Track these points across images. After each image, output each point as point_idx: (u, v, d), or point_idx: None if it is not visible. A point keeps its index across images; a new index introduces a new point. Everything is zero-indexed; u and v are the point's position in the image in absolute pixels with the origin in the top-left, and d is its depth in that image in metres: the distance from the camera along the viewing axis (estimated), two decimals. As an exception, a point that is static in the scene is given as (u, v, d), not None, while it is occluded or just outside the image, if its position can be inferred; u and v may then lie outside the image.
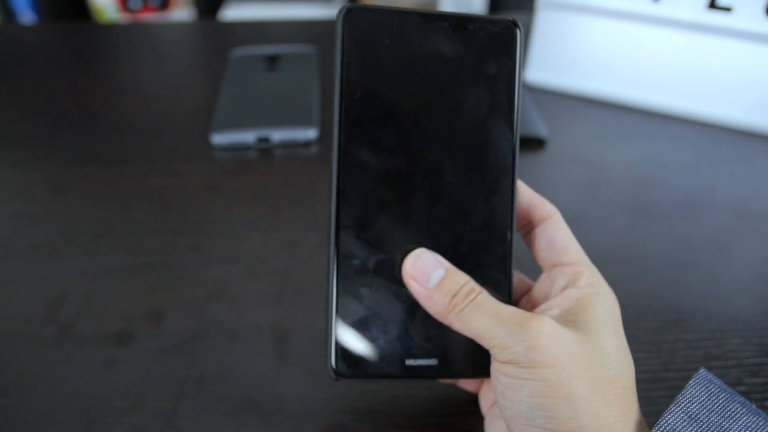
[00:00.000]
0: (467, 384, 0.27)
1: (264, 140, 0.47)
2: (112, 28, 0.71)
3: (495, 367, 0.21)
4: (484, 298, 0.22)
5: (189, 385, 0.29)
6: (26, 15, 1.41)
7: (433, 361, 0.24)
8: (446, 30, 0.24)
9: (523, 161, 0.46)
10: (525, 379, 0.20)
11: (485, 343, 0.22)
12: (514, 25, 0.25)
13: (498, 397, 0.22)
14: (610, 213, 0.41)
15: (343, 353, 0.23)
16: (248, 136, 0.47)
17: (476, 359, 0.24)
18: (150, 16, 1.50)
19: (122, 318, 0.33)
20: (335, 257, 0.24)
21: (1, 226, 0.40)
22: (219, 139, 0.47)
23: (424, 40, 0.24)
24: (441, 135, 0.24)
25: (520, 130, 0.25)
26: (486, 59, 0.24)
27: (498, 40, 0.25)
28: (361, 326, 0.24)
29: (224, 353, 0.31)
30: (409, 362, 0.24)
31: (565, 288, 0.23)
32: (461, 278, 0.23)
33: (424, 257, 0.23)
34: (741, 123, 0.50)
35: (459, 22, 0.24)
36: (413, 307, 0.24)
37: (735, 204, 0.42)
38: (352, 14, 0.23)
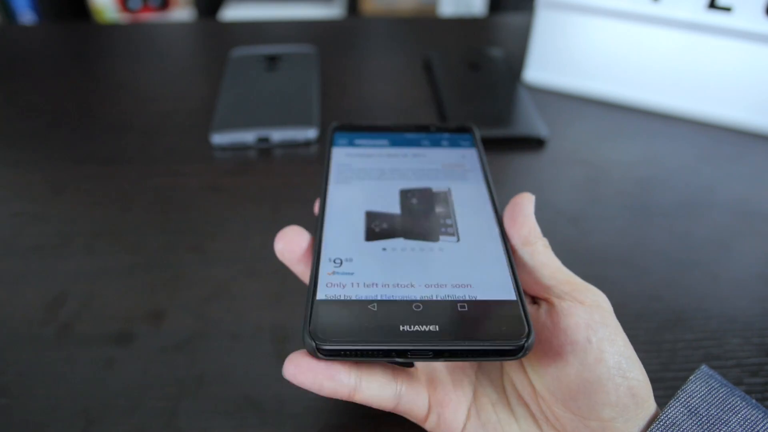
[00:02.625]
0: (446, 419, 0.23)
1: (264, 140, 0.47)
2: (112, 28, 0.71)
3: (585, 317, 0.22)
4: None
5: (189, 385, 0.29)
6: (26, 15, 1.41)
7: (433, 327, 0.20)
8: (412, 127, 0.32)
9: (522, 161, 0.47)
10: (617, 326, 0.22)
11: (564, 278, 0.23)
12: (468, 129, 0.32)
13: (585, 354, 0.21)
14: (610, 213, 0.41)
15: (326, 320, 0.21)
16: (248, 136, 0.47)
17: (491, 327, 0.21)
18: (150, 16, 1.50)
19: (122, 318, 0.33)
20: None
21: (1, 226, 0.40)
22: (219, 139, 0.47)
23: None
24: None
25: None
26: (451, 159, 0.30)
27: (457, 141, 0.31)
28: (347, 294, 0.22)
29: (224, 353, 0.31)
30: (405, 328, 0.20)
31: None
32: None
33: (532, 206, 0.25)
34: (741, 123, 0.50)
35: (420, 129, 0.31)
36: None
37: (735, 204, 0.42)
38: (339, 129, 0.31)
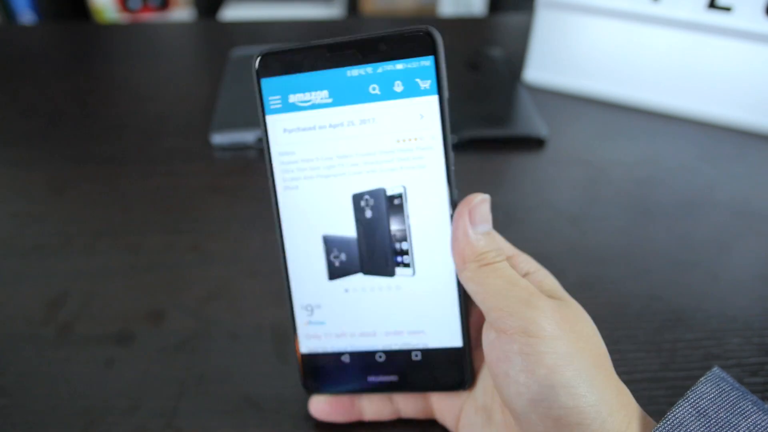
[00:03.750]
0: (444, 416, 0.27)
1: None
2: (112, 28, 0.71)
3: (504, 348, 0.21)
4: (507, 266, 0.23)
5: (189, 385, 0.29)
6: (26, 15, 1.41)
7: (393, 378, 0.26)
8: (355, 57, 0.23)
9: (522, 161, 0.47)
10: (542, 354, 0.20)
11: (493, 305, 0.22)
12: (428, 34, 0.23)
13: (508, 386, 0.21)
14: (610, 213, 0.41)
15: (311, 373, 0.27)
16: (248, 136, 0.47)
17: (437, 376, 0.26)
18: (150, 16, 1.50)
19: (122, 318, 0.33)
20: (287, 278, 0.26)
21: (1, 226, 0.40)
22: (219, 139, 0.47)
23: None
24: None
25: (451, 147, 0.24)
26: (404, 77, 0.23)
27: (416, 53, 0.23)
28: (324, 347, 0.26)
29: (224, 353, 0.31)
30: (371, 379, 0.26)
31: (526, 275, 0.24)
32: (499, 244, 0.24)
33: (486, 207, 0.23)
34: (741, 123, 0.50)
35: (366, 44, 0.23)
36: (373, 319, 0.26)
37: (735, 204, 0.42)
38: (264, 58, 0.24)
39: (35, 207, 0.41)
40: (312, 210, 0.25)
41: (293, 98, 0.24)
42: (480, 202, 0.23)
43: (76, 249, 0.38)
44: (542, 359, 0.20)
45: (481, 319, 0.24)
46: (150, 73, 0.59)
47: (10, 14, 1.41)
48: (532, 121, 0.49)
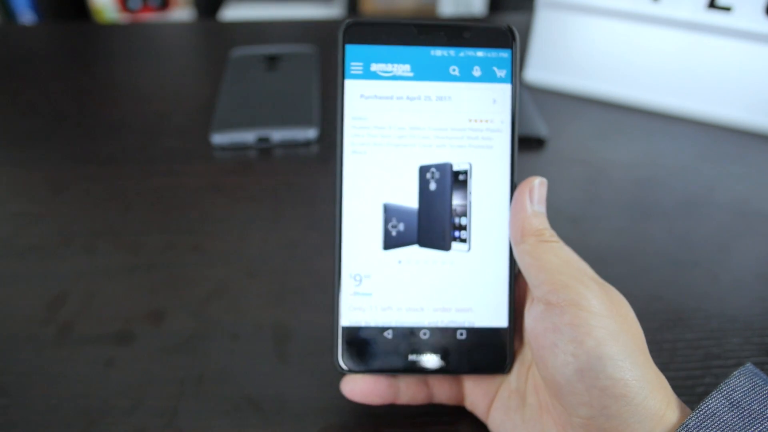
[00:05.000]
0: (476, 402, 0.27)
1: (264, 140, 0.47)
2: (112, 28, 0.71)
3: (554, 320, 0.22)
4: (563, 246, 0.24)
5: (189, 385, 0.29)
6: (26, 15, 1.41)
7: (435, 358, 0.25)
8: (441, 40, 0.25)
9: (522, 161, 0.46)
10: (592, 327, 0.21)
11: (545, 278, 0.22)
12: (510, 31, 0.26)
13: (555, 356, 0.21)
14: (610, 213, 0.41)
15: (350, 348, 0.25)
16: (248, 136, 0.47)
17: (479, 358, 0.25)
18: (150, 16, 1.50)
19: (122, 318, 0.33)
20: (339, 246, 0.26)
21: (1, 226, 0.40)
22: (219, 139, 0.47)
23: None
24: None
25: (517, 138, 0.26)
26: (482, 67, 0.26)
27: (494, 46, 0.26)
28: (367, 320, 0.25)
29: (224, 353, 0.31)
30: (412, 357, 0.25)
31: None
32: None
33: (544, 190, 0.25)
34: (741, 123, 0.50)
35: (453, 30, 0.25)
36: (419, 295, 0.25)
37: (735, 204, 0.42)
38: (351, 28, 0.25)
39: (35, 207, 0.41)
40: (376, 176, 0.25)
41: (375, 67, 0.25)
42: (539, 184, 0.24)
43: (76, 249, 0.38)
44: (592, 331, 0.21)
45: (521, 302, 0.25)
46: (150, 73, 0.59)
47: (10, 14, 1.41)
48: (532, 121, 0.49)
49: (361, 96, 0.25)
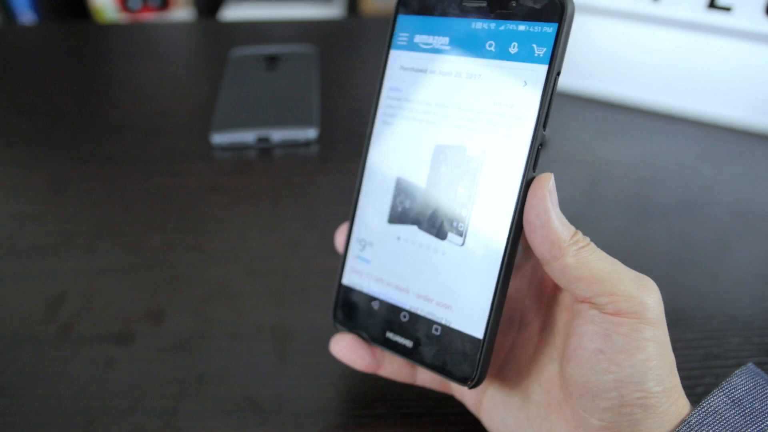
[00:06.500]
0: (464, 392, 0.27)
1: (264, 140, 0.47)
2: (112, 28, 0.71)
3: (607, 327, 0.20)
4: (592, 243, 0.22)
5: (189, 385, 0.29)
6: (26, 15, 1.41)
7: (408, 343, 0.25)
8: (484, 10, 0.23)
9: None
10: (646, 340, 0.20)
11: (602, 289, 0.20)
12: (561, 2, 0.22)
13: (596, 362, 0.20)
14: (610, 213, 0.41)
15: (343, 305, 0.27)
16: (248, 136, 0.47)
17: (447, 360, 0.24)
18: (150, 16, 1.50)
19: (122, 318, 0.33)
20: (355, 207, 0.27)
21: (1, 226, 0.40)
22: (219, 139, 0.47)
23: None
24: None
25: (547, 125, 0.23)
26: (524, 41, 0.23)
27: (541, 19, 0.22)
28: (361, 285, 0.27)
29: (224, 353, 0.31)
30: (389, 335, 0.26)
31: None
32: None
33: (555, 189, 0.22)
34: (741, 123, 0.50)
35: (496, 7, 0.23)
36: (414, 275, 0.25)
37: (735, 204, 0.42)
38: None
39: (35, 207, 0.41)
40: (396, 149, 0.26)
41: (418, 39, 0.25)
42: (553, 185, 0.22)
43: (76, 249, 0.38)
44: (645, 345, 0.20)
45: (532, 285, 0.25)
46: (150, 73, 0.59)
47: (10, 14, 1.41)
48: (532, 121, 0.49)
49: (401, 67, 0.25)
